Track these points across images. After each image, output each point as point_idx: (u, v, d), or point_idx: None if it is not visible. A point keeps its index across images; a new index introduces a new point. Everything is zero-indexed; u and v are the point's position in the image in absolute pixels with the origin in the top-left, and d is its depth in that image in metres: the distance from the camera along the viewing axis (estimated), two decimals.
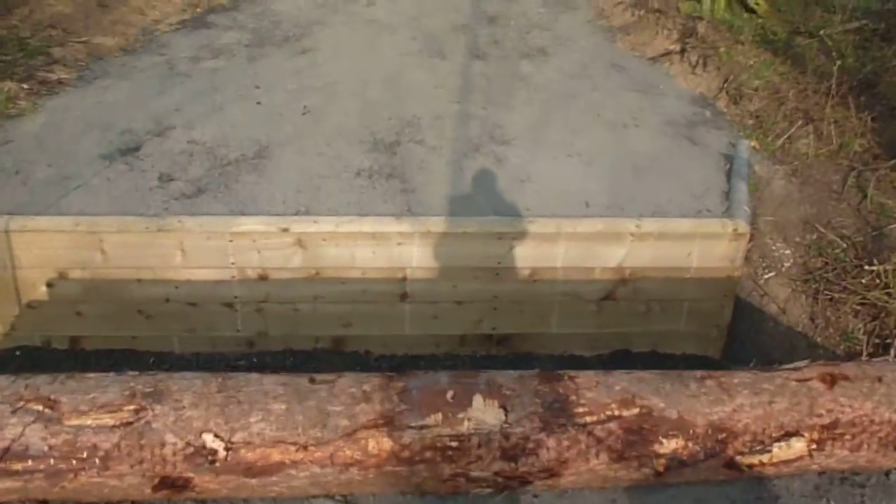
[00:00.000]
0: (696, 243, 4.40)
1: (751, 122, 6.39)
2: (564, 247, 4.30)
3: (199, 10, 9.23)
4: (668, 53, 7.61)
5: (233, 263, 4.19)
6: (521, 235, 4.25)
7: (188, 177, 4.86)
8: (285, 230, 4.15)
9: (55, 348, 4.36)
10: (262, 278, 4.24)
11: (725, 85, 6.86)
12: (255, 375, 2.10)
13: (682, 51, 7.48)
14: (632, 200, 4.82)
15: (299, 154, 5.16)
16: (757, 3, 7.94)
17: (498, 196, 4.77)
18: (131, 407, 1.96)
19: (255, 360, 4.35)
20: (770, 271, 5.05)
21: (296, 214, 4.34)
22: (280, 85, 6.46)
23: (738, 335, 4.89)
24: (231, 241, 4.14)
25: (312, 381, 2.06)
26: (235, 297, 4.28)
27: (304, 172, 4.93)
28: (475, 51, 7.57)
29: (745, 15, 7.97)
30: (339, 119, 5.78)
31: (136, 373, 2.07)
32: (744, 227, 4.43)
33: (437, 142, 5.47)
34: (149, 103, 6.03)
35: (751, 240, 4.66)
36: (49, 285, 4.15)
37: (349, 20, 8.64)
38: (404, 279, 4.30)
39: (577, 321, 4.50)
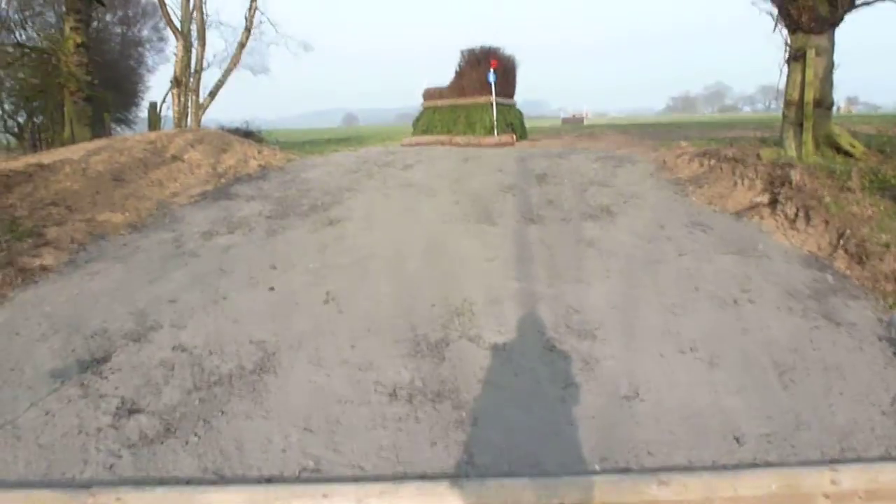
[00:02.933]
0: None
1: (890, 287, 4.76)
2: None
3: (223, 180, 8.19)
4: (755, 206, 6.13)
5: None
6: None
7: (158, 405, 3.30)
8: None
9: None
10: None
11: (842, 241, 5.29)
12: None
13: (774, 202, 6.01)
14: (798, 427, 3.09)
15: (314, 364, 3.59)
16: (852, 146, 6.55)
17: (598, 427, 3.09)
18: None
19: None
20: None
21: (297, 479, 2.72)
22: (300, 263, 5.07)
23: None
24: None
25: None
26: None
27: (319, 395, 3.33)
28: (528, 213, 6.18)
29: (839, 158, 6.55)
30: (370, 307, 4.29)
31: None
32: None
33: (498, 336, 3.89)
34: (139, 292, 4.64)
35: None
36: None
37: (383, 185, 7.45)
38: None
39: None
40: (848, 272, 5.00)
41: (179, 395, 3.38)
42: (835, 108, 7.28)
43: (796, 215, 5.71)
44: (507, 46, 13.32)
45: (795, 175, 6.04)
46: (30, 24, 17.70)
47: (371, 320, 4.09)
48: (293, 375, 3.48)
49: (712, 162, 7.15)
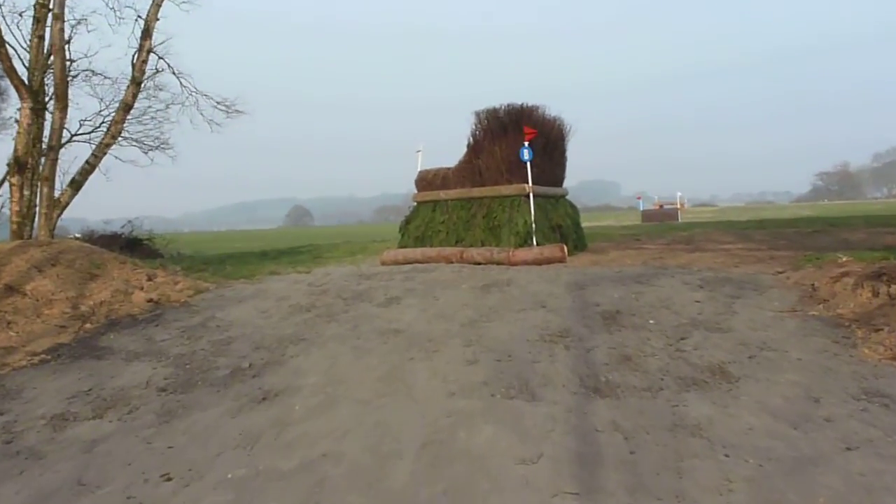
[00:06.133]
0: None
1: None
2: None
3: (89, 325, 8.34)
4: None
5: None
6: None
7: None
8: None
9: None
10: None
11: None
12: None
13: None
14: None
15: None
16: None
17: None
18: None
19: None
20: None
21: None
22: (213, 471, 5.06)
23: None
24: None
25: None
26: None
27: None
28: (590, 379, 6.23)
29: None
30: None
31: None
32: None
33: None
34: None
35: None
36: None
37: (353, 333, 7.56)
38: None
39: None
40: None
41: None
42: None
43: None
44: (551, 105, 13.61)
45: None
46: None
47: None
48: None
49: (893, 288, 7.25)
